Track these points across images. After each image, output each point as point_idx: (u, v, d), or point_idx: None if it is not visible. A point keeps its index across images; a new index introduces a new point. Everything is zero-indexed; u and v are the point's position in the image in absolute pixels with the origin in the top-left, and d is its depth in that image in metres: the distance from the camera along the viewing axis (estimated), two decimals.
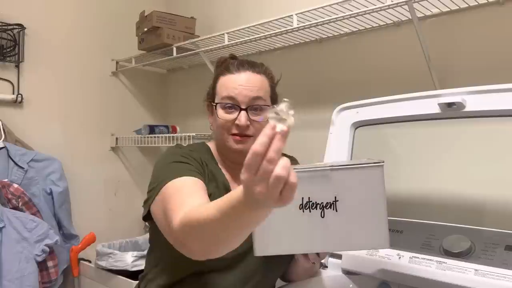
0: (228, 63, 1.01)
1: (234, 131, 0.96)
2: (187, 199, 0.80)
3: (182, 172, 0.88)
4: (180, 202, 0.80)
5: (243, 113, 0.95)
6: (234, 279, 0.93)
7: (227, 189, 0.97)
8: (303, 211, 0.77)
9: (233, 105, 0.96)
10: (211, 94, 1.02)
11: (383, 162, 0.77)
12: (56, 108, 2.01)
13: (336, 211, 0.77)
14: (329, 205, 0.77)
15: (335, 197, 0.77)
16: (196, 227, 0.68)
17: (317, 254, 0.83)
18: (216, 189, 0.95)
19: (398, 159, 0.89)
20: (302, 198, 0.77)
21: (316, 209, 0.77)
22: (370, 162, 0.77)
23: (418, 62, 1.34)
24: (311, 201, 0.77)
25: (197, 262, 0.90)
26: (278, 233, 0.79)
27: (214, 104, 0.98)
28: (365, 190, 0.77)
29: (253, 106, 0.96)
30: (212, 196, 0.91)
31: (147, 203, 0.92)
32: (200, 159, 0.96)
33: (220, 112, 0.97)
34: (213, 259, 0.90)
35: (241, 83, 0.97)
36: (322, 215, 0.77)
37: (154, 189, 0.90)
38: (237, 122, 0.95)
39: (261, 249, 0.79)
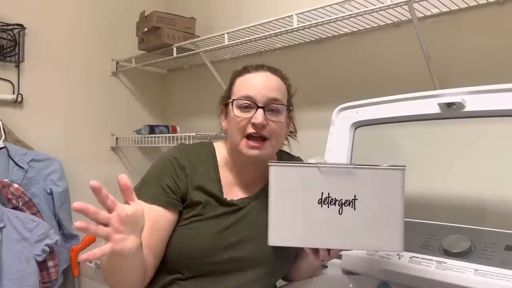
0: (246, 66, 0.99)
1: (250, 130, 0.91)
2: None
3: (155, 199, 0.90)
4: None
5: (260, 110, 0.91)
6: (235, 282, 0.92)
7: (216, 196, 0.94)
8: (322, 206, 0.78)
9: (250, 104, 0.92)
10: (227, 96, 0.99)
11: (405, 166, 0.78)
12: (56, 108, 2.01)
13: (354, 209, 0.78)
14: (348, 202, 0.78)
15: (355, 196, 0.78)
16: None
17: (328, 252, 0.83)
18: (204, 196, 0.93)
19: (398, 159, 0.89)
20: (322, 193, 0.78)
21: (335, 205, 0.78)
22: (393, 165, 0.78)
23: (418, 62, 1.34)
24: (331, 197, 0.78)
25: (192, 266, 0.91)
26: (294, 225, 0.79)
27: (231, 101, 0.94)
28: (385, 192, 0.78)
29: (270, 107, 0.92)
30: (201, 204, 0.92)
31: None
32: (184, 168, 0.94)
33: (236, 111, 0.93)
34: (211, 262, 0.90)
35: (260, 82, 0.94)
36: (340, 212, 0.78)
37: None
38: (253, 120, 0.90)
39: (276, 239, 0.80)
